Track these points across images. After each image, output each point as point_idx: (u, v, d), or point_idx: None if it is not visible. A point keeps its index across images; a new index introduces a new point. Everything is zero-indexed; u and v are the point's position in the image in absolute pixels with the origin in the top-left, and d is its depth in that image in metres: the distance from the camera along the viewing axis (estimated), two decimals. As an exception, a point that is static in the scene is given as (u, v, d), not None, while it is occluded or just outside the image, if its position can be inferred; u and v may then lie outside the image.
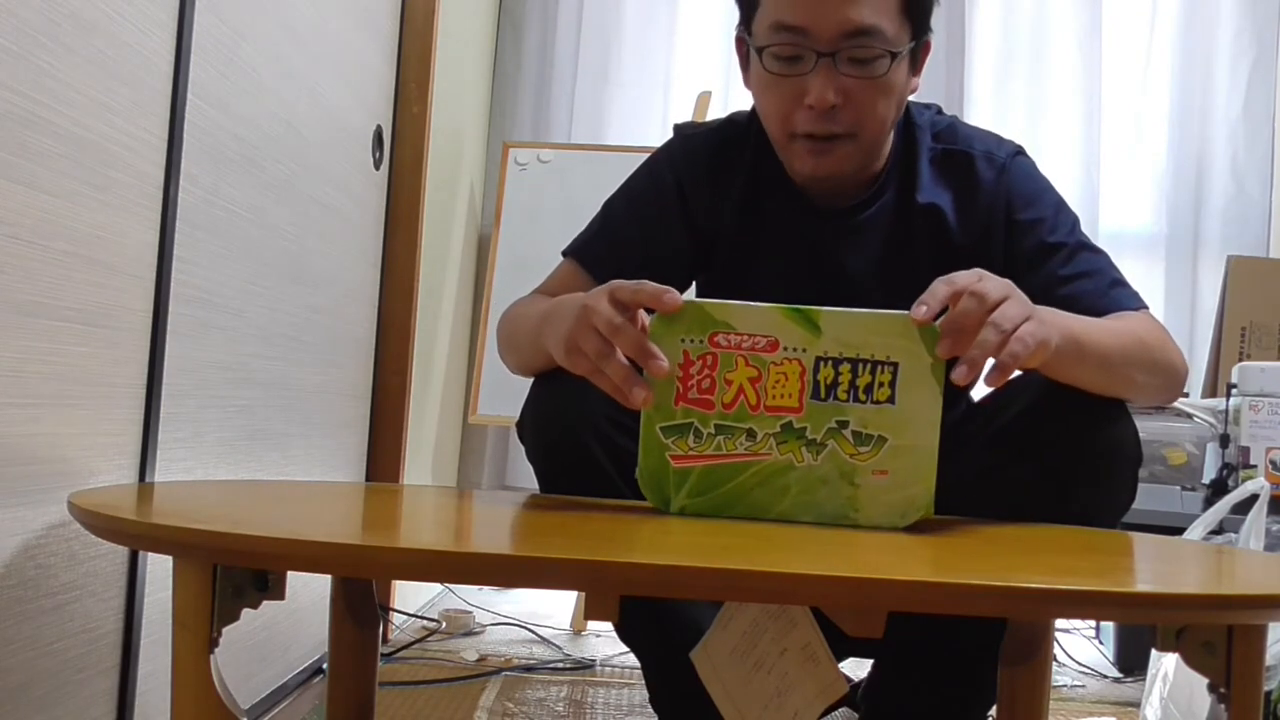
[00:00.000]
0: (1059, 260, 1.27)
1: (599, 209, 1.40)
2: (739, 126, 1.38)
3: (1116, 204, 3.10)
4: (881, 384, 1.00)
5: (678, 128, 1.44)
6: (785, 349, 1.01)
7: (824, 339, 1.01)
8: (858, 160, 1.27)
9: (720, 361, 1.01)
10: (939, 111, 1.38)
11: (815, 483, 1.02)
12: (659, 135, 2.39)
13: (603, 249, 1.35)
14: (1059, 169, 2.98)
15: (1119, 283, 1.27)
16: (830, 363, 1.00)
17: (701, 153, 1.37)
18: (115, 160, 1.10)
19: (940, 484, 1.07)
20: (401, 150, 2.16)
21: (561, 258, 1.38)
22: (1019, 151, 1.34)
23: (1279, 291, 2.68)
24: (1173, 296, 3.05)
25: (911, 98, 1.35)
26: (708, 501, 1.02)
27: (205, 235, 1.32)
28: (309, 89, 1.65)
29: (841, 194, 1.32)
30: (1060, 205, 1.32)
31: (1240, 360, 2.54)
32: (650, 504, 1.04)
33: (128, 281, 1.14)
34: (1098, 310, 1.22)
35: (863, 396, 1.01)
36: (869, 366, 1.00)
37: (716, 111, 2.59)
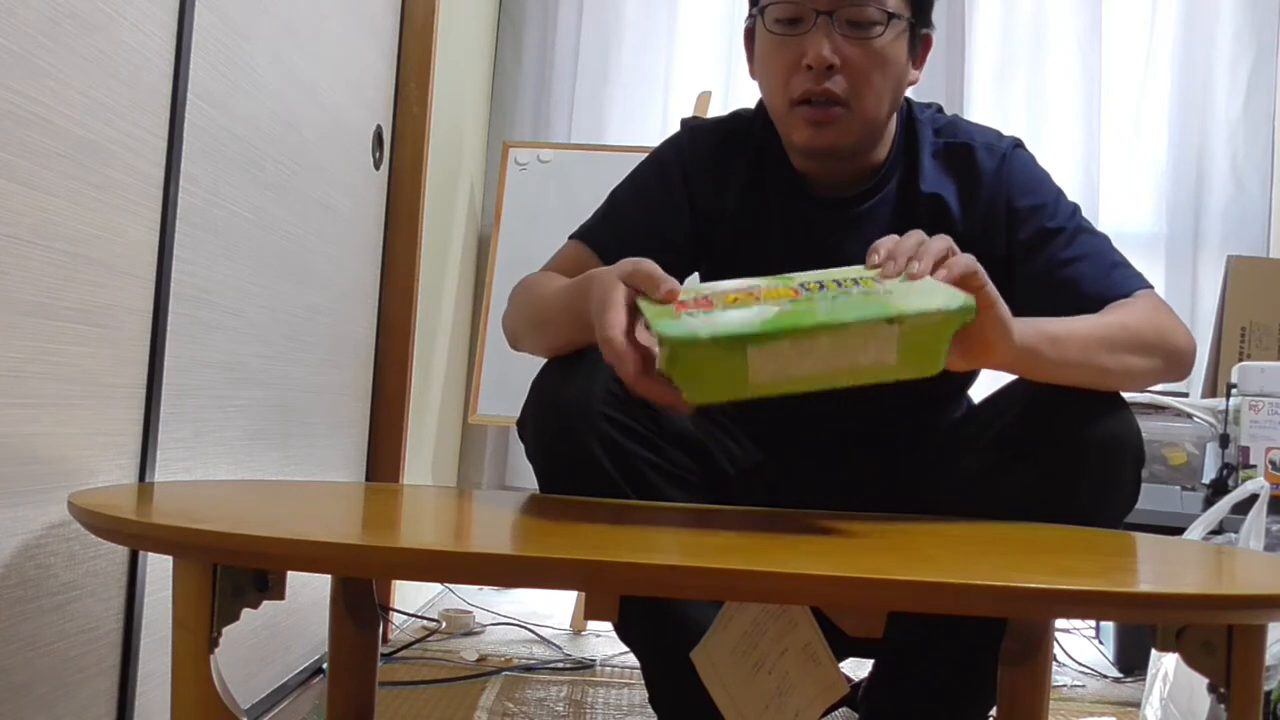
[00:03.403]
0: (1059, 244, 1.28)
1: (606, 198, 1.41)
2: (744, 120, 1.40)
3: (1116, 204, 3.10)
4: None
5: (684, 121, 1.46)
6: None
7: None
8: (856, 134, 1.27)
9: (714, 300, 0.97)
10: (939, 110, 1.39)
11: (846, 301, 0.95)
12: (659, 135, 2.39)
13: (609, 233, 1.35)
14: (1059, 168, 2.96)
15: (1120, 264, 1.27)
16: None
17: (707, 144, 1.39)
18: (115, 160, 1.10)
19: (941, 485, 1.07)
20: (401, 150, 2.16)
21: (568, 240, 1.39)
22: (1019, 144, 1.36)
23: (1279, 291, 2.68)
24: (1173, 296, 3.05)
25: (912, 96, 1.36)
26: (737, 323, 0.93)
27: (205, 235, 1.32)
28: (309, 89, 1.66)
29: (844, 183, 1.33)
30: (1060, 193, 1.33)
31: (1240, 360, 2.54)
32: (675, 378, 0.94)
33: (128, 281, 1.14)
34: (1099, 291, 1.22)
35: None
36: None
37: (716, 112, 2.59)
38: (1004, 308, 1.05)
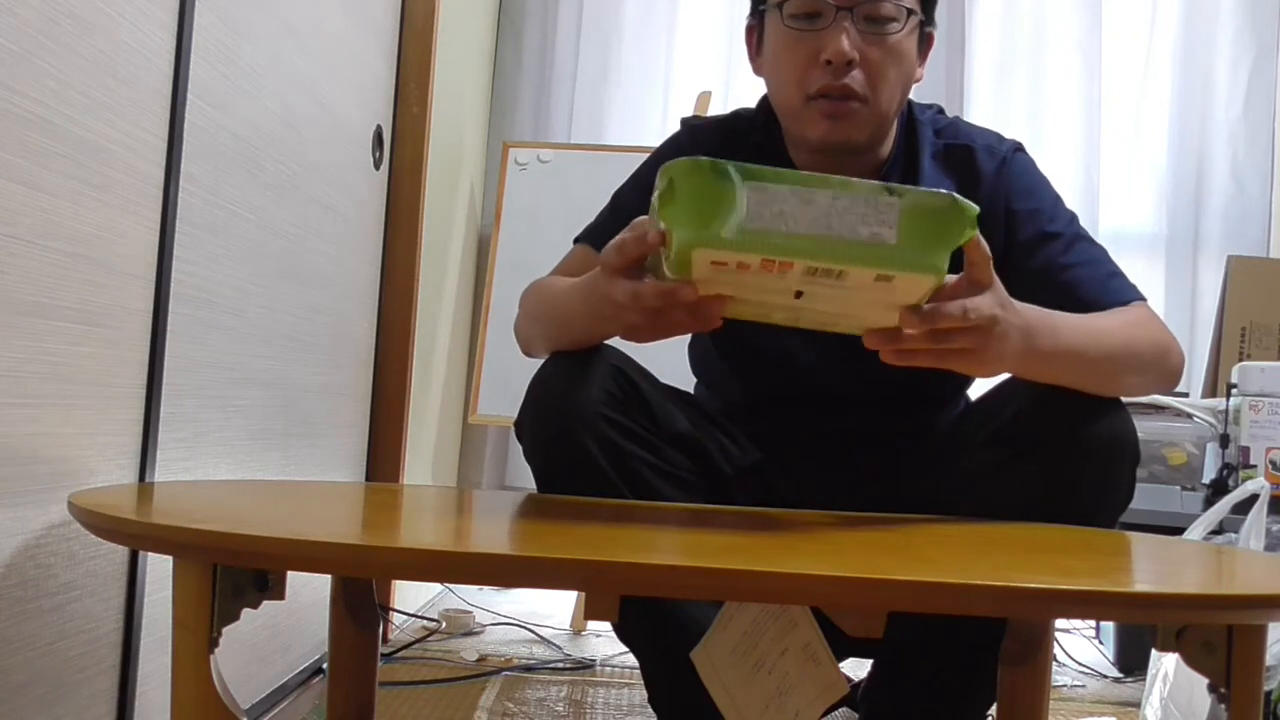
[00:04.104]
0: (1058, 248, 1.29)
1: (609, 199, 1.42)
2: (744, 120, 1.41)
3: (1116, 204, 3.10)
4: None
5: (684, 121, 1.46)
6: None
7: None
8: (869, 129, 1.28)
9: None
10: (940, 111, 1.40)
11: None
12: (659, 135, 2.39)
13: (613, 232, 1.36)
14: (1059, 169, 2.98)
15: (1116, 274, 1.28)
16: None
17: (707, 143, 1.39)
18: (115, 160, 1.10)
19: (940, 484, 1.07)
20: (401, 150, 2.16)
21: (573, 245, 1.40)
22: (1019, 147, 1.36)
23: (1279, 291, 2.68)
24: (1173, 296, 3.05)
25: (911, 96, 1.37)
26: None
27: (205, 235, 1.32)
28: (309, 89, 1.66)
29: None
30: (1058, 199, 1.34)
31: (1240, 360, 2.54)
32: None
33: (128, 281, 1.14)
34: (1095, 297, 1.23)
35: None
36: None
37: (716, 111, 2.59)
38: (1009, 338, 1.05)
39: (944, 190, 0.94)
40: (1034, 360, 1.11)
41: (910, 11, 1.25)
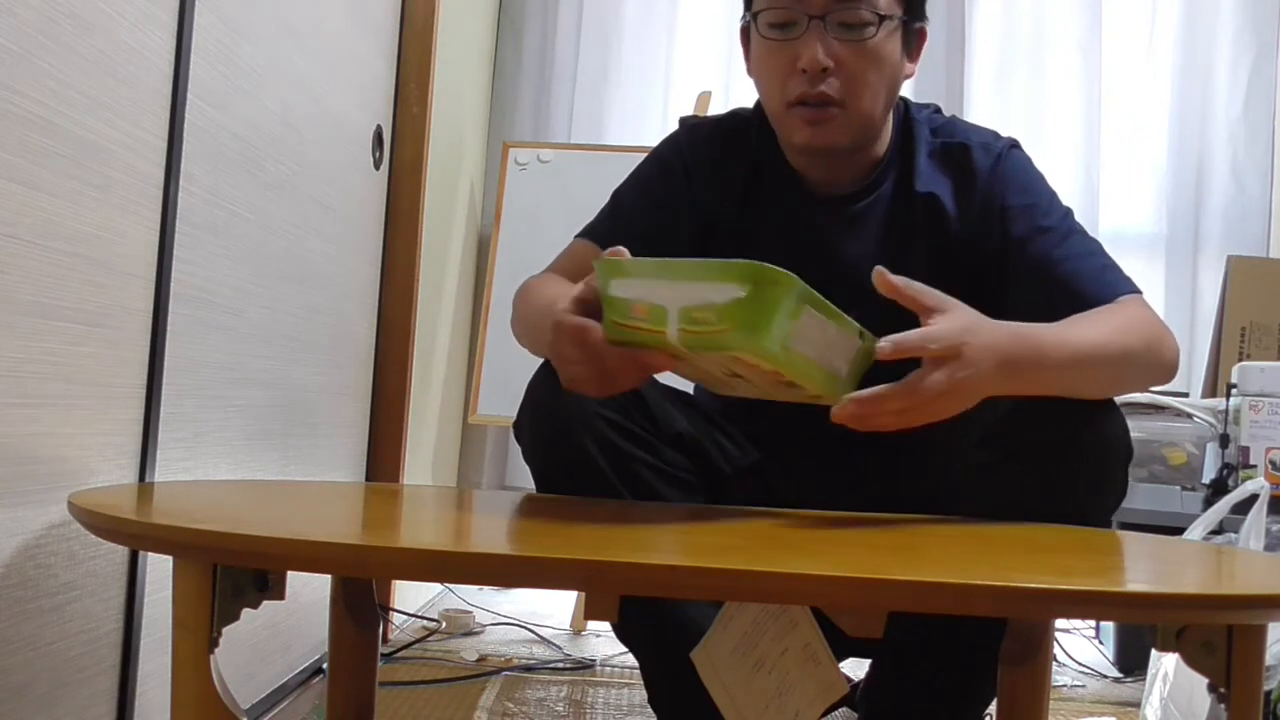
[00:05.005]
0: (1052, 241, 1.28)
1: (609, 197, 1.42)
2: (742, 119, 1.42)
3: (1116, 204, 3.10)
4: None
5: (683, 120, 1.47)
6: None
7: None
8: (852, 132, 1.28)
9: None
10: (937, 110, 1.40)
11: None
12: (659, 135, 2.40)
13: (614, 231, 1.37)
14: (1059, 169, 2.98)
15: (1110, 267, 1.28)
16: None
17: (705, 142, 1.40)
18: (115, 160, 1.10)
19: (939, 484, 1.06)
20: (401, 150, 2.16)
21: (573, 240, 1.40)
22: (1014, 144, 1.36)
23: (1279, 291, 2.68)
24: (1173, 296, 3.05)
25: (911, 97, 1.37)
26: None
27: (205, 235, 1.32)
28: (309, 89, 1.66)
29: (840, 182, 1.34)
30: (1054, 195, 1.34)
31: (1240, 360, 2.54)
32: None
33: (128, 281, 1.14)
34: (1091, 292, 1.23)
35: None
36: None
37: (716, 111, 2.59)
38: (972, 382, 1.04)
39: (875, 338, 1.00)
40: (1016, 382, 1.09)
41: (884, 17, 1.24)
